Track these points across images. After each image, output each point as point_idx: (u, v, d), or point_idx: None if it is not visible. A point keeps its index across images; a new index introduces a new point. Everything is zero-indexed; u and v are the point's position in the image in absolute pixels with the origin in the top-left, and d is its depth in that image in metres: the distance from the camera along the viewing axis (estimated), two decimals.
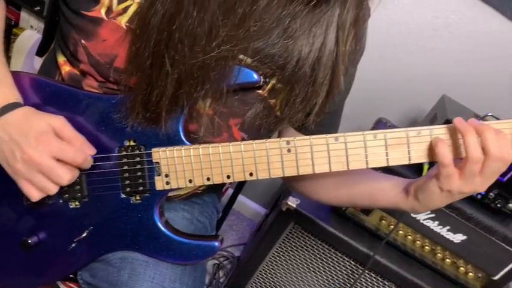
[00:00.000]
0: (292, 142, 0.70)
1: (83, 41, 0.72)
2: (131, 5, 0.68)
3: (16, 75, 0.74)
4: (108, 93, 0.74)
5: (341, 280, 1.52)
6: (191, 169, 0.72)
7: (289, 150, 0.71)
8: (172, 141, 0.72)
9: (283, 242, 1.53)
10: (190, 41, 0.62)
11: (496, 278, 1.40)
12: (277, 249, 1.55)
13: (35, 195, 0.70)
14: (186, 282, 0.78)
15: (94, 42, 0.71)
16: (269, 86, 0.75)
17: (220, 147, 0.71)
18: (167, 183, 0.73)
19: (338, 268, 1.50)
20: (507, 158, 0.64)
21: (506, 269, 1.38)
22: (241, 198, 2.19)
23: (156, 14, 0.62)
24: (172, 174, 0.73)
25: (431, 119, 1.44)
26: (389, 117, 1.66)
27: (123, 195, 0.75)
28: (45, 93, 0.74)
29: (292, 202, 1.42)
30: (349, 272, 1.48)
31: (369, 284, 1.48)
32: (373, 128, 1.67)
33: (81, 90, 0.74)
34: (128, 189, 0.74)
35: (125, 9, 0.69)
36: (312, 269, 1.53)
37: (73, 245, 0.75)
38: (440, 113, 1.38)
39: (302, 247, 1.51)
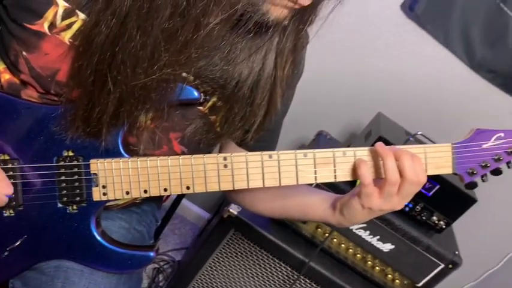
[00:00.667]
0: (229, 158, 0.74)
1: (24, 53, 0.72)
2: (75, 21, 0.69)
3: None
4: (48, 104, 0.74)
5: (277, 286, 1.57)
6: (129, 181, 0.74)
7: (226, 166, 0.74)
8: (111, 153, 0.74)
9: (223, 248, 1.56)
10: (132, 63, 0.64)
11: (420, 285, 1.51)
12: (217, 254, 1.58)
13: None
14: None
15: (36, 55, 0.71)
16: (210, 103, 0.79)
17: (158, 161, 0.74)
18: (104, 194, 0.74)
19: (275, 274, 1.55)
20: (421, 181, 0.71)
21: (428, 277, 1.49)
22: (184, 202, 2.20)
23: (100, 34, 0.63)
24: (110, 186, 0.74)
25: (367, 135, 1.52)
26: (329, 130, 1.74)
27: (59, 205, 0.75)
28: None
29: (234, 209, 1.46)
30: (286, 277, 1.54)
31: None
32: (315, 139, 1.74)
33: (20, 99, 0.74)
34: (65, 198, 0.75)
35: (69, 26, 0.69)
36: (250, 274, 1.57)
37: (6, 253, 0.75)
38: (375, 130, 1.47)
39: (241, 253, 1.55)
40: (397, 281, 1.52)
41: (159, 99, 0.70)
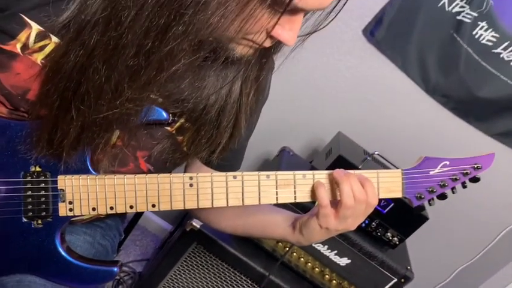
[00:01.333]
0: (195, 178, 0.77)
1: None
2: (48, 44, 0.70)
3: None
4: (17, 120, 0.75)
5: None
6: (95, 198, 0.76)
7: (191, 185, 0.77)
8: (78, 169, 0.75)
9: (185, 260, 1.58)
10: (96, 94, 0.65)
11: None
12: (178, 267, 1.59)
13: None
14: None
15: (7, 74, 0.72)
16: (177, 124, 0.82)
17: (125, 179, 0.76)
18: (70, 209, 0.76)
19: (236, 286, 1.58)
20: (373, 204, 0.77)
21: None
22: (147, 213, 2.20)
23: (68, 62, 0.65)
24: (76, 202, 0.76)
25: (327, 153, 1.59)
26: (292, 146, 1.80)
27: (24, 219, 0.76)
28: None
29: (197, 223, 1.48)
30: None
31: None
32: (278, 155, 1.79)
33: None
34: (30, 213, 0.75)
35: (42, 48, 0.70)
36: (211, 287, 1.59)
37: None
38: (335, 149, 1.53)
39: (203, 266, 1.57)
40: None
41: (122, 125, 0.72)
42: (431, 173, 0.82)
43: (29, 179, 0.75)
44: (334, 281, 1.58)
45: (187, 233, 1.51)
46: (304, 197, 0.80)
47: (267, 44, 0.68)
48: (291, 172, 0.79)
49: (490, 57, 1.71)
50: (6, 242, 0.76)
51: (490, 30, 1.67)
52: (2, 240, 0.76)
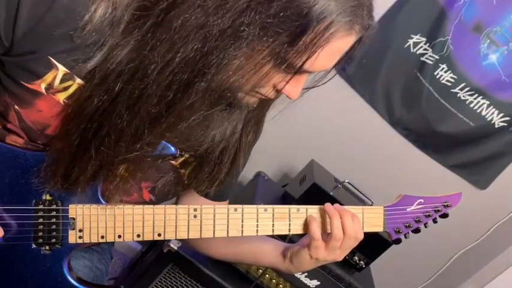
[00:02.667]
0: (199, 209, 0.83)
1: (16, 107, 0.75)
2: (72, 85, 0.74)
3: None
4: (32, 150, 0.78)
5: None
6: (105, 226, 0.80)
7: (195, 216, 0.83)
8: (89, 199, 0.79)
9: (159, 281, 1.61)
10: (116, 137, 0.70)
11: None
12: (153, 287, 1.61)
13: None
14: None
15: (29, 110, 0.75)
16: (182, 159, 0.88)
17: (134, 209, 0.81)
18: (80, 237, 0.80)
19: None
20: (359, 237, 0.86)
21: None
22: None
23: (91, 105, 0.69)
24: (86, 230, 0.80)
25: (301, 179, 1.68)
26: (266, 171, 1.88)
27: (33, 246, 0.79)
28: None
29: (174, 244, 1.52)
30: None
31: None
32: (253, 179, 1.86)
33: (5, 144, 0.77)
34: (40, 240, 0.78)
35: (66, 88, 0.74)
36: None
37: None
38: (309, 176, 1.63)
39: (178, 287, 1.61)
40: None
41: (136, 164, 0.77)
42: (408, 209, 0.92)
43: (40, 207, 0.78)
44: None
45: (163, 254, 1.55)
46: (297, 229, 0.88)
47: (272, 96, 0.76)
48: (287, 206, 0.87)
49: (448, 96, 1.88)
50: (15, 267, 0.79)
51: (449, 71, 1.84)
52: (10, 265, 0.78)
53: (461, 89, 1.87)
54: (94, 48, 0.70)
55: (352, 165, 1.93)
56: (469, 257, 2.08)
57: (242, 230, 0.85)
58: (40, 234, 0.79)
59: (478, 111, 1.89)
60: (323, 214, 0.88)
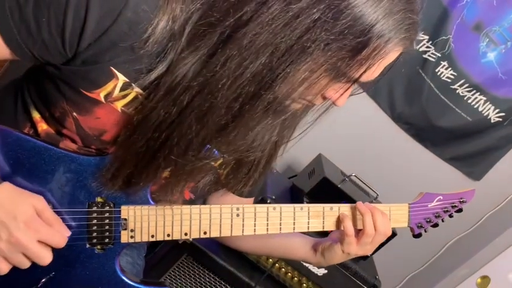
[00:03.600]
0: (241, 209, 0.89)
1: (74, 114, 0.79)
2: (130, 93, 0.77)
3: None
4: (85, 155, 0.81)
5: None
6: (155, 226, 0.85)
7: (238, 215, 0.89)
8: (139, 200, 0.84)
9: (173, 271, 1.66)
10: (186, 147, 0.75)
11: None
12: (166, 277, 1.67)
13: (4, 270, 0.74)
14: None
15: (87, 117, 0.79)
16: (221, 160, 0.92)
17: (182, 209, 0.86)
18: (132, 237, 0.84)
19: None
20: (388, 233, 0.93)
21: None
22: None
23: (157, 116, 0.73)
24: (138, 230, 0.84)
25: (310, 173, 1.74)
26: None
27: (88, 245, 0.83)
28: (22, 149, 0.78)
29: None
30: None
31: None
32: None
33: (59, 148, 0.81)
34: (94, 240, 0.83)
35: (124, 96, 0.77)
36: None
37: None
38: (318, 170, 1.69)
39: (191, 276, 1.67)
40: None
41: (185, 165, 0.81)
42: (429, 206, 1.00)
43: (94, 208, 0.82)
44: None
45: (178, 245, 1.60)
46: (330, 226, 0.94)
47: (319, 103, 0.81)
48: (321, 205, 0.93)
49: (448, 92, 1.96)
50: (70, 266, 0.83)
51: (450, 69, 1.92)
52: (66, 264, 0.82)
53: (460, 86, 1.95)
54: (156, 59, 0.74)
55: (356, 159, 2.00)
56: (463, 244, 2.19)
57: (280, 228, 0.91)
58: (94, 234, 0.83)
59: (475, 106, 1.98)
60: (354, 212, 0.94)
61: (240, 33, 0.68)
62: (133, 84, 0.76)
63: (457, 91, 1.96)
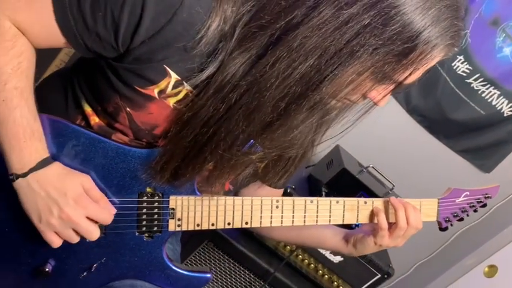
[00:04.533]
0: (280, 201, 0.93)
1: (128, 109, 0.82)
2: (182, 90, 0.80)
3: (51, 121, 0.81)
4: (136, 147, 0.85)
5: None
6: (200, 215, 0.89)
7: (277, 207, 0.93)
8: (186, 191, 0.88)
9: (194, 256, 1.71)
10: (232, 142, 0.78)
11: None
12: (187, 262, 1.72)
13: (57, 243, 0.79)
14: None
15: (140, 112, 0.82)
16: (261, 153, 0.96)
17: (226, 200, 0.90)
18: (178, 225, 0.88)
19: (239, 281, 1.74)
20: (419, 227, 0.97)
21: (366, 284, 1.80)
22: None
23: (206, 113, 0.76)
24: (184, 219, 0.88)
25: (328, 164, 1.79)
26: None
27: (137, 233, 0.87)
28: (77, 140, 0.82)
29: None
30: (248, 284, 1.74)
31: None
32: None
33: (113, 141, 0.84)
34: (144, 228, 0.87)
35: (176, 93, 0.80)
36: (219, 281, 1.74)
37: (85, 273, 0.85)
38: (337, 161, 1.73)
39: (211, 261, 1.72)
40: (341, 287, 1.81)
41: (230, 159, 0.85)
42: (456, 201, 1.04)
43: (144, 198, 0.86)
44: (326, 276, 1.79)
45: (200, 232, 1.64)
46: (364, 219, 0.98)
47: (359, 102, 0.85)
48: (355, 199, 0.97)
49: (463, 85, 2.00)
50: (120, 252, 0.87)
51: (466, 63, 1.95)
52: (116, 251, 0.87)
53: (475, 80, 1.98)
54: (207, 59, 0.77)
55: (371, 150, 2.04)
56: (471, 234, 2.25)
57: (317, 220, 0.95)
58: (143, 223, 0.87)
59: (489, 100, 2.02)
60: (386, 206, 0.98)
61: (291, 35, 0.71)
62: (184, 83, 0.79)
63: (472, 85, 1.99)
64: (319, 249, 1.75)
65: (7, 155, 0.76)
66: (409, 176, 2.01)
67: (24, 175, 0.76)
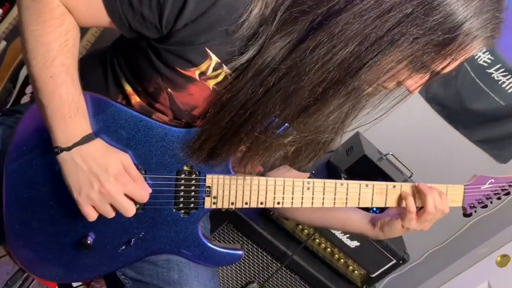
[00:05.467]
0: (312, 183, 0.95)
1: (169, 90, 0.84)
2: (221, 73, 0.83)
3: (94, 99, 0.83)
4: (176, 127, 0.88)
5: (256, 271, 1.80)
6: (235, 194, 0.92)
7: (308, 189, 0.95)
8: (222, 170, 0.91)
9: (213, 237, 1.75)
10: (267, 123, 0.81)
11: (373, 275, 1.84)
12: None
13: (93, 217, 0.82)
14: (215, 281, 0.97)
15: (181, 93, 0.85)
16: (291, 137, 0.98)
17: (259, 180, 0.93)
18: (214, 203, 0.91)
19: (257, 262, 1.78)
20: (446, 212, 0.99)
21: (381, 269, 1.83)
22: None
23: (244, 95, 0.78)
24: (220, 197, 0.91)
25: (348, 150, 1.81)
26: None
27: (174, 210, 0.90)
28: (120, 118, 0.85)
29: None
30: (265, 265, 1.78)
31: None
32: None
33: (153, 119, 0.87)
34: (181, 205, 0.90)
35: (216, 76, 0.83)
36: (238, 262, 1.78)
37: (124, 246, 0.88)
38: (357, 148, 1.75)
39: (230, 242, 1.75)
40: (356, 271, 1.84)
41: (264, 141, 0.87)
42: (482, 188, 1.06)
43: (182, 176, 0.89)
44: (341, 260, 1.83)
45: (221, 213, 1.68)
46: (392, 203, 1.01)
47: (392, 89, 0.86)
48: (384, 183, 0.99)
49: (483, 76, 1.99)
50: (157, 228, 0.91)
51: (487, 53, 1.95)
52: (153, 226, 0.90)
53: (496, 70, 1.98)
54: (248, 43, 0.79)
55: (389, 137, 2.06)
56: (484, 223, 2.26)
57: (346, 202, 0.98)
58: (181, 200, 0.90)
59: (510, 91, 2.02)
60: (413, 191, 1.01)
61: (332, 21, 0.72)
62: (224, 65, 0.82)
63: (493, 75, 1.99)
64: (336, 234, 1.78)
65: (53, 129, 0.79)
66: (426, 165, 2.02)
67: (68, 149, 0.79)
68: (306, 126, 0.87)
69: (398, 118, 2.07)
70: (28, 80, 1.33)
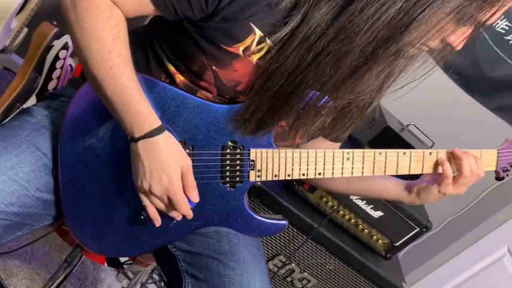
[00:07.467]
0: (351, 153, 0.98)
1: (214, 67, 0.86)
2: (264, 47, 0.84)
3: (143, 79, 0.85)
4: (219, 103, 0.90)
5: (283, 244, 1.85)
6: (278, 167, 0.95)
7: (348, 159, 0.98)
8: (264, 144, 0.93)
9: None
10: (318, 89, 0.83)
11: (397, 244, 1.88)
12: None
13: (149, 205, 0.87)
14: (262, 251, 1.01)
15: (225, 70, 0.86)
16: (327, 109, 0.99)
17: (300, 152, 0.95)
18: (258, 176, 0.94)
19: (283, 235, 1.82)
20: (481, 175, 1.02)
21: (404, 238, 1.87)
22: None
23: (292, 63, 0.80)
24: (264, 170, 0.94)
25: (369, 121, 1.82)
26: None
27: (221, 183, 0.93)
28: (167, 97, 0.87)
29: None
30: (291, 238, 1.82)
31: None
32: None
33: (197, 97, 0.89)
34: (227, 179, 0.93)
35: (259, 50, 0.84)
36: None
37: (174, 221, 0.92)
38: (379, 119, 1.77)
39: None
40: (380, 241, 1.88)
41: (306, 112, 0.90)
42: None
43: (227, 151, 0.92)
44: (365, 230, 1.87)
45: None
46: (428, 169, 1.03)
47: (437, 48, 0.87)
48: (421, 150, 1.02)
49: (501, 42, 2.00)
50: (206, 201, 0.94)
51: (505, 20, 1.95)
52: (202, 199, 0.93)
53: None
54: (290, 13, 0.80)
55: (408, 108, 2.07)
56: (503, 190, 2.30)
57: (385, 171, 1.00)
58: (227, 173, 0.93)
59: None
60: (449, 157, 1.03)
61: None
62: (267, 39, 0.83)
63: (510, 42, 1.99)
64: (360, 205, 1.82)
65: (121, 120, 0.81)
66: (446, 134, 2.04)
67: (136, 140, 0.82)
68: (353, 89, 0.87)
69: (416, 89, 2.09)
70: (55, 64, 1.35)
